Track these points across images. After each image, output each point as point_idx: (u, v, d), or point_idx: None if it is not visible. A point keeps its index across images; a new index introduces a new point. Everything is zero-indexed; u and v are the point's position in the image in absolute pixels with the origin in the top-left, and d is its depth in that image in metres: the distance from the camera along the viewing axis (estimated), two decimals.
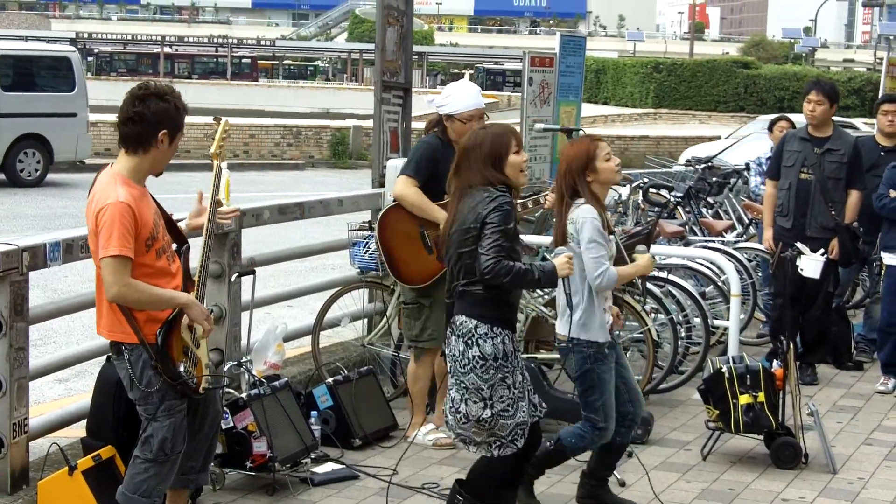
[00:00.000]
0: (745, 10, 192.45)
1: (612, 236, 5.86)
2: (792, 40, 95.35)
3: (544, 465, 6.02)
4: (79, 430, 6.28)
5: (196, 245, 5.27)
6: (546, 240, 9.29)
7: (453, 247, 5.26)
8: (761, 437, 7.00)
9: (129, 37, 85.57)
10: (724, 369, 6.91)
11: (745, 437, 7.04)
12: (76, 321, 9.19)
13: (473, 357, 5.16)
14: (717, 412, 6.90)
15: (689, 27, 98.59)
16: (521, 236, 9.15)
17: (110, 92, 55.84)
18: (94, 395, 5.92)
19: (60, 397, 8.25)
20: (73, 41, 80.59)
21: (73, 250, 5.96)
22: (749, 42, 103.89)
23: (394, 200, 7.15)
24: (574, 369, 5.82)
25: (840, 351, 9.49)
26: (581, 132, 8.37)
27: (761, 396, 6.81)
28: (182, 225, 5.35)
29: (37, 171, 21.79)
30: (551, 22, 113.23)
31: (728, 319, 8.38)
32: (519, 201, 6.98)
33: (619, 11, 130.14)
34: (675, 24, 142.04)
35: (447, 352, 5.30)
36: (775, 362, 7.09)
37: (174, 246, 5.17)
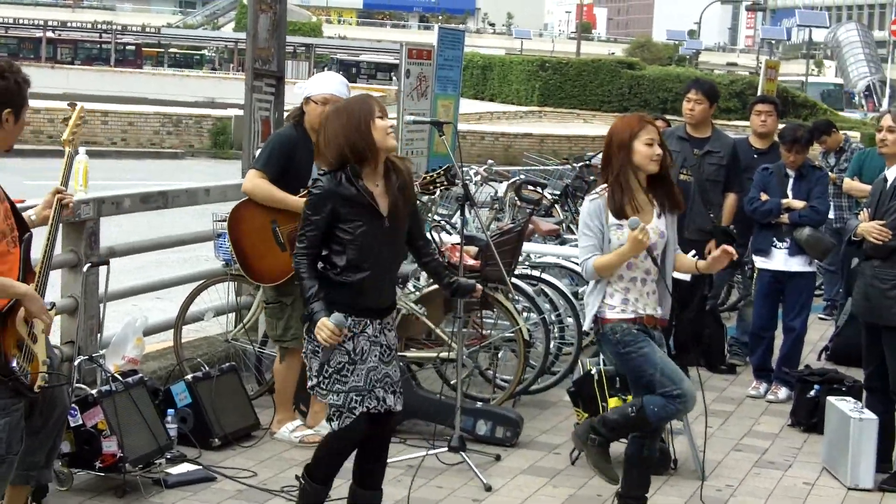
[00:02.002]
0: (632, 11, 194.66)
1: (623, 223, 5.47)
2: (676, 42, 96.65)
3: (625, 430, 5.73)
4: None
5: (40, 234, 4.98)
6: None
7: None
8: None
9: (11, 20, 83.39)
10: (594, 371, 6.80)
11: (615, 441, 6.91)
12: None
13: None
14: (587, 415, 6.77)
15: (577, 27, 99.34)
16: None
17: None
18: None
19: None
20: None
21: None
22: (634, 43, 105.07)
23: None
24: (611, 360, 5.63)
25: (713, 354, 9.48)
26: (450, 125, 8.21)
27: (630, 399, 6.69)
28: (31, 213, 5.03)
29: None
30: (440, 17, 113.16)
31: None
32: None
33: (507, 9, 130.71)
34: (562, 24, 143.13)
35: None
36: None
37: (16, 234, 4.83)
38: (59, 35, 79.79)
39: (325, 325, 4.87)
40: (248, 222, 6.84)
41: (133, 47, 78.34)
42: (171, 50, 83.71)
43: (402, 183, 5.13)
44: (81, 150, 7.28)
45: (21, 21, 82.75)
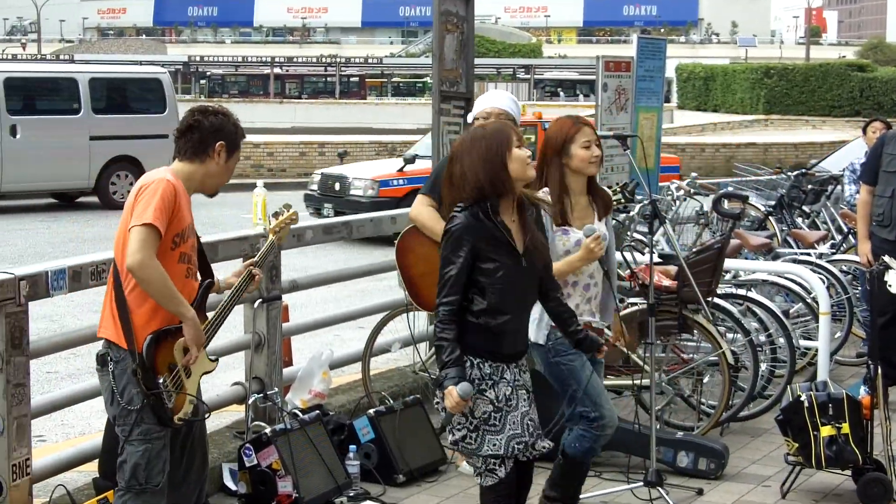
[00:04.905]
0: (864, 12, 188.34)
1: (567, 228, 5.36)
2: None
3: (569, 486, 5.56)
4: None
5: None
6: None
7: None
8: (848, 472, 6.28)
9: (241, 59, 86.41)
10: (804, 398, 6.22)
11: (831, 472, 6.33)
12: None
13: None
14: (797, 445, 6.22)
15: (805, 32, 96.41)
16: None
17: None
18: (105, 432, 5.55)
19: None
20: (185, 64, 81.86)
21: (80, 278, 5.57)
22: (867, 45, 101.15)
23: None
24: (544, 371, 5.42)
25: None
26: (636, 138, 7.76)
27: (846, 428, 6.11)
28: (220, 278, 5.04)
29: (129, 193, 21.64)
30: (662, 30, 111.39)
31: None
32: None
33: (731, 18, 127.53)
34: (790, 29, 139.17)
35: None
36: (863, 389, 6.37)
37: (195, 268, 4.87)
38: (287, 71, 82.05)
39: (451, 394, 4.55)
40: (415, 249, 6.55)
41: (357, 79, 79.88)
42: (394, 79, 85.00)
43: (538, 217, 4.88)
44: (259, 182, 7.15)
45: (249, 59, 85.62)
